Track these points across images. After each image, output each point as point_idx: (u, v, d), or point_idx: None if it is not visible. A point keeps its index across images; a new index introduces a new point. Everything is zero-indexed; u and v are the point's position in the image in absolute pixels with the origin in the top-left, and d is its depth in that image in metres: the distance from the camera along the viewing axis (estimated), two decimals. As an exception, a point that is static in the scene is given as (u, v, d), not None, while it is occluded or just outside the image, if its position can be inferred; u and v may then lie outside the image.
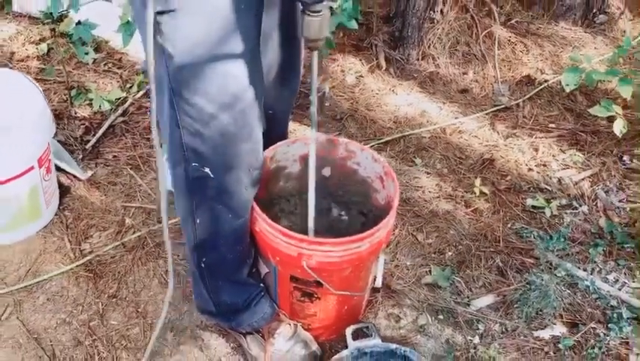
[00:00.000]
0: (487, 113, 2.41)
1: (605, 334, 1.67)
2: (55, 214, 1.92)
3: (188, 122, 1.27)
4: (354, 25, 2.13)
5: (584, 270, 1.83)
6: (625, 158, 2.25)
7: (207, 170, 1.32)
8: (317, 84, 1.35)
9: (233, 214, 1.40)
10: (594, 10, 2.77)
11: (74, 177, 2.04)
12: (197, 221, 1.40)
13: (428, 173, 2.16)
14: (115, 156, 2.15)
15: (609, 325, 1.68)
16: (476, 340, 1.66)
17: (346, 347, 1.52)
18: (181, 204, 1.42)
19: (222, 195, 1.37)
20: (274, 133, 1.56)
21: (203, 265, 1.48)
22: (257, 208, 1.42)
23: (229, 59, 1.22)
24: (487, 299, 1.76)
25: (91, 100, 2.28)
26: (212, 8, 1.18)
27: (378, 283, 1.59)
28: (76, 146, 2.14)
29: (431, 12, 2.51)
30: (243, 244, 1.48)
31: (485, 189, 2.08)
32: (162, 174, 1.30)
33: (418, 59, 2.58)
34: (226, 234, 1.43)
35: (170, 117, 1.29)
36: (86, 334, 1.63)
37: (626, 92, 2.13)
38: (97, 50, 2.54)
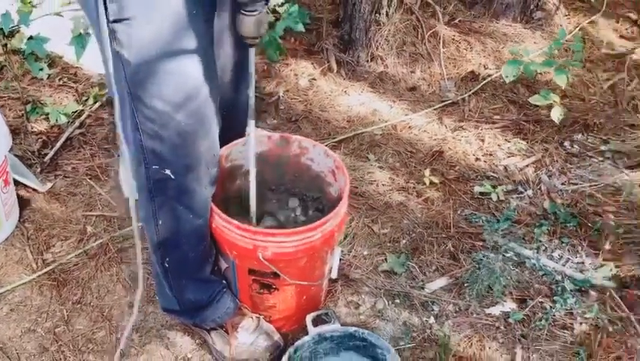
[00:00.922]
0: (435, 109, 2.52)
1: (551, 307, 1.77)
2: (16, 227, 1.94)
3: (147, 126, 1.32)
4: (300, 28, 2.21)
5: (531, 249, 1.94)
6: (566, 143, 2.38)
7: (168, 172, 1.37)
8: (255, 77, 1.42)
9: (194, 214, 1.45)
10: (531, 7, 2.92)
11: (33, 190, 2.06)
12: (160, 222, 1.45)
13: (381, 167, 2.25)
14: (74, 168, 2.17)
15: (554, 298, 1.79)
16: (431, 320, 1.74)
17: (307, 334, 1.58)
18: (143, 206, 1.47)
19: (183, 196, 1.42)
20: (232, 133, 1.62)
21: (166, 264, 1.53)
22: (212, 205, 1.48)
23: (182, 60, 1.28)
24: (441, 282, 1.85)
25: (47, 114, 2.31)
26: (165, 14, 1.24)
27: (334, 275, 1.66)
28: (34, 160, 2.16)
29: (377, 15, 2.61)
30: (205, 242, 1.53)
31: (435, 180, 2.18)
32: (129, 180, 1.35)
33: (367, 61, 2.68)
34: (188, 233, 1.48)
35: (131, 121, 1.34)
36: (52, 340, 1.65)
37: (562, 81, 2.26)
38: (51, 65, 2.56)
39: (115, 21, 1.23)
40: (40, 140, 2.25)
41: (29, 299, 1.75)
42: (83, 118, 2.34)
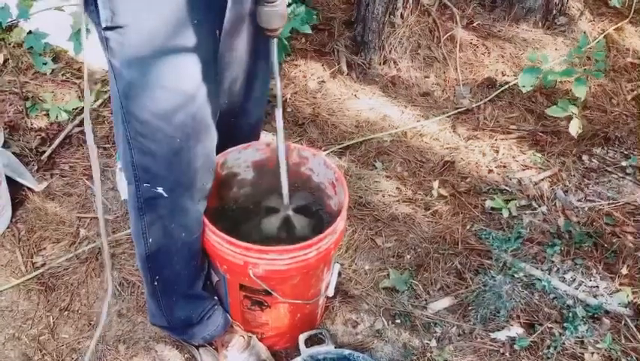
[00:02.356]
0: (448, 116, 2.41)
1: (560, 333, 1.67)
2: (8, 227, 1.88)
3: (139, 141, 1.24)
4: (307, 29, 2.12)
5: (542, 270, 1.84)
6: (584, 157, 2.26)
7: (160, 190, 1.29)
8: (278, 71, 1.33)
9: (187, 232, 1.38)
10: (554, 12, 2.79)
11: (29, 188, 2.01)
12: (150, 240, 1.37)
13: (388, 176, 2.15)
14: (71, 167, 2.11)
15: (565, 324, 1.68)
16: (433, 343, 1.65)
17: (300, 354, 1.51)
18: (133, 222, 1.39)
19: (175, 214, 1.34)
20: (235, 142, 1.55)
21: (156, 282, 1.45)
22: (203, 217, 1.40)
23: (178, 74, 1.20)
24: (445, 302, 1.75)
25: (47, 110, 2.25)
26: (160, 23, 1.15)
27: (330, 293, 1.57)
28: (31, 157, 2.11)
29: (391, 16, 2.51)
30: (197, 258, 1.46)
31: (444, 192, 2.08)
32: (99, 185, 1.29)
33: (379, 64, 2.58)
34: (179, 251, 1.41)
35: (123, 135, 1.27)
36: (36, 349, 1.60)
37: (580, 92, 2.14)
38: (55, 59, 2.50)
39: (107, 28, 1.15)
40: (38, 137, 2.19)
41: (15, 304, 1.70)
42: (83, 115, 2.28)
